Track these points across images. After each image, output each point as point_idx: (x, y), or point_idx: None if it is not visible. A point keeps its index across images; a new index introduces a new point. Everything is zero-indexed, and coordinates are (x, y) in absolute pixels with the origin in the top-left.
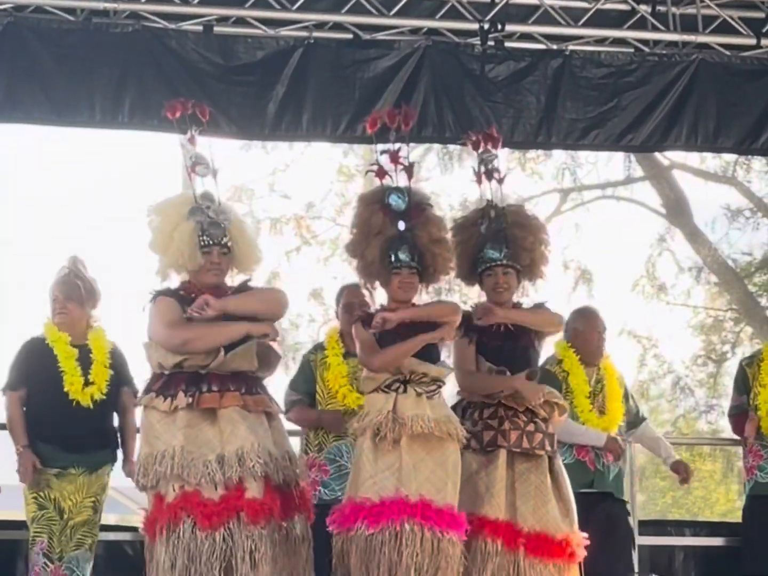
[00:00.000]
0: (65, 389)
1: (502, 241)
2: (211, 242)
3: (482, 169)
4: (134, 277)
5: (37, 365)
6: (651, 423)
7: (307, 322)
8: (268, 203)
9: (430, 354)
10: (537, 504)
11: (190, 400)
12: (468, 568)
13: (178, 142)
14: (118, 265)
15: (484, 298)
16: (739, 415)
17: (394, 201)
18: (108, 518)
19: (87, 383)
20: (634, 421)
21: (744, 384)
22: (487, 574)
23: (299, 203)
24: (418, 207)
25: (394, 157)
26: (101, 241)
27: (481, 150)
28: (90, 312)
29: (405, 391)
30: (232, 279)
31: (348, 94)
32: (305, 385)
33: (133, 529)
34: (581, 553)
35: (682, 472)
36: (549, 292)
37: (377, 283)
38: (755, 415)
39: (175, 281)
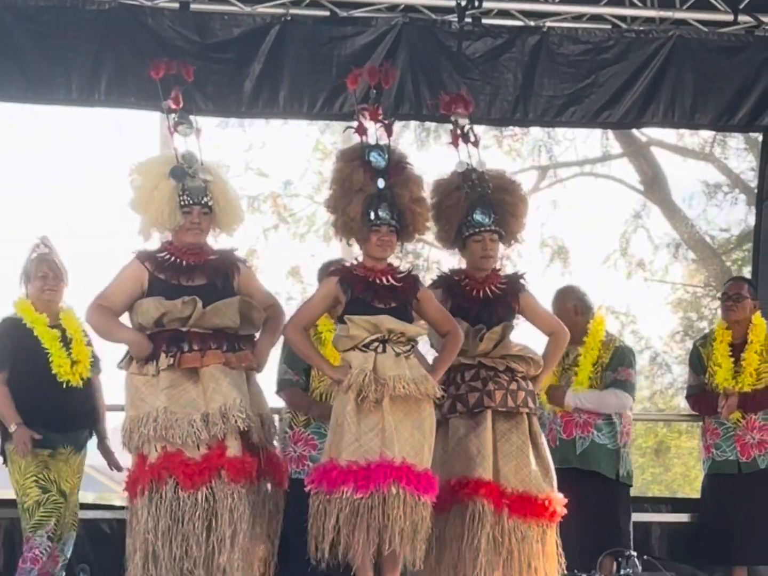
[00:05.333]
0: (53, 371)
1: (489, 206)
2: (191, 201)
3: (458, 131)
4: (94, 257)
5: (18, 347)
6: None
7: (285, 300)
8: (245, 181)
9: (405, 315)
10: (519, 464)
11: (171, 360)
12: (460, 532)
13: (161, 106)
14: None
15: (461, 264)
16: (698, 394)
17: (375, 158)
18: (86, 497)
19: (73, 363)
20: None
21: (700, 364)
22: (483, 535)
23: (276, 181)
24: (397, 165)
25: (374, 114)
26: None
27: (453, 112)
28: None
29: (384, 350)
30: (215, 239)
31: (325, 71)
32: (301, 361)
33: (111, 507)
34: (562, 513)
35: None
36: (524, 268)
37: (353, 240)
38: (733, 391)
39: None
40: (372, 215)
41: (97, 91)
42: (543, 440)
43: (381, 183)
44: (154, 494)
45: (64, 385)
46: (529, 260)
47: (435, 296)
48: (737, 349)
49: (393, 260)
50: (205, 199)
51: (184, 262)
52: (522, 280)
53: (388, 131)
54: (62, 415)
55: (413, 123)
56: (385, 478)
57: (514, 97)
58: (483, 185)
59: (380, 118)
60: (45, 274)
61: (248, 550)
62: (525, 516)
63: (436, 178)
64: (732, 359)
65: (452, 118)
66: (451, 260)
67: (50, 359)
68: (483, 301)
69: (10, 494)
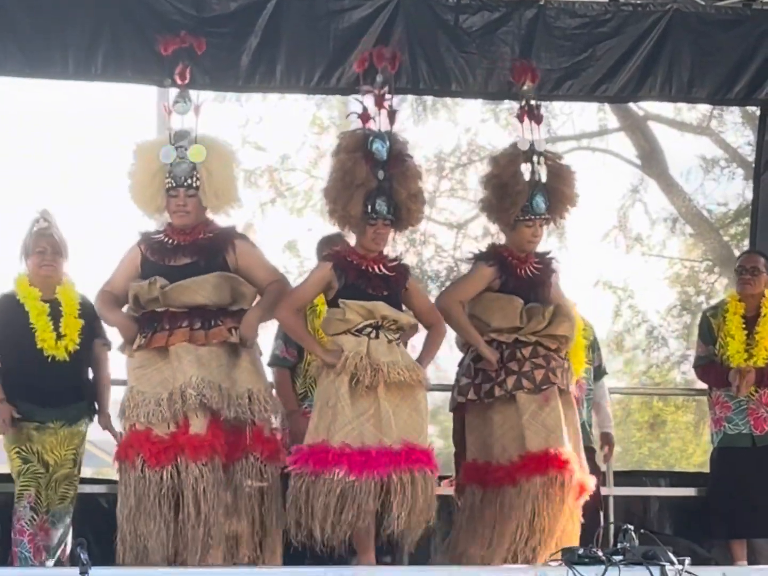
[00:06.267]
0: (38, 345)
1: (546, 194)
2: (175, 184)
3: (525, 105)
4: (102, 230)
5: (8, 322)
6: (608, 380)
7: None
8: (242, 155)
9: (396, 302)
10: (576, 442)
11: (142, 341)
12: (540, 503)
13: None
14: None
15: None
16: (706, 365)
17: (377, 149)
18: (84, 471)
19: (59, 337)
20: (595, 374)
21: (710, 334)
22: (568, 503)
23: (273, 155)
24: (398, 157)
25: (379, 100)
26: (67, 194)
27: (521, 84)
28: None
29: (377, 336)
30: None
31: (322, 45)
32: None
33: (109, 482)
34: None
35: (606, 446)
36: (478, 247)
37: (347, 229)
38: (750, 368)
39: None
40: (369, 208)
41: (94, 65)
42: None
43: (381, 174)
44: (123, 473)
45: (49, 359)
46: None
47: (488, 274)
48: (750, 322)
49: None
50: (190, 181)
51: (172, 243)
52: (554, 263)
53: (392, 119)
54: (47, 388)
55: (410, 97)
56: (386, 466)
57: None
58: (542, 168)
59: (385, 104)
60: (43, 249)
61: (216, 527)
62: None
63: (496, 154)
64: (745, 332)
65: (521, 92)
66: (448, 235)
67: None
68: (528, 280)
69: (4, 468)
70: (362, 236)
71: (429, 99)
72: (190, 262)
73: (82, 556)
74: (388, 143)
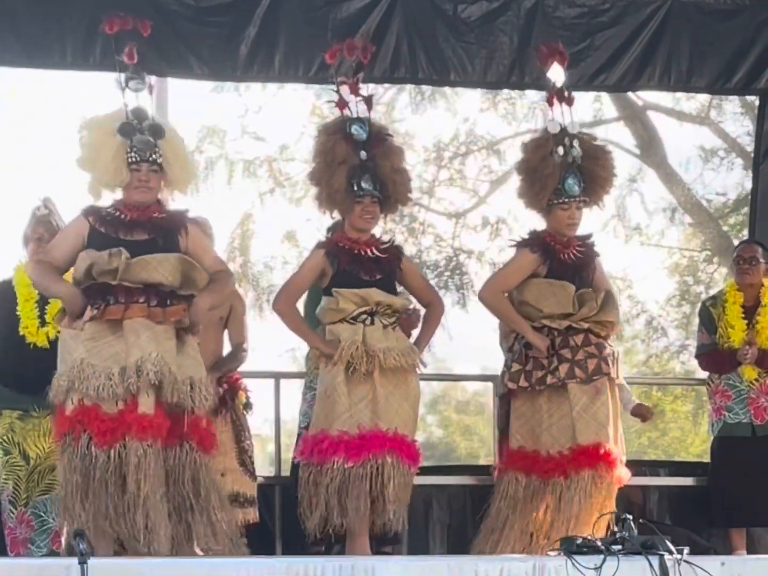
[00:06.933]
0: (20, 332)
1: (579, 175)
2: (138, 159)
3: (553, 88)
4: None
5: (1, 309)
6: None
7: (281, 264)
8: (241, 145)
9: (390, 286)
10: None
11: (95, 312)
12: (587, 496)
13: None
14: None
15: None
16: (710, 353)
17: (356, 131)
18: None
19: (43, 324)
20: None
21: (711, 324)
22: (608, 501)
23: (272, 145)
24: (378, 136)
25: (354, 88)
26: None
27: (550, 68)
28: None
29: (372, 323)
30: (171, 198)
31: (320, 35)
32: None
33: None
34: None
35: (644, 412)
36: (519, 232)
37: (336, 212)
38: (756, 341)
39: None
40: (355, 186)
41: (92, 55)
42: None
43: (363, 155)
44: (67, 447)
45: (31, 346)
46: (524, 224)
47: (531, 260)
48: (749, 311)
49: (378, 230)
50: (154, 156)
51: (127, 217)
52: (595, 246)
53: (368, 104)
54: (29, 375)
55: (408, 86)
56: (380, 447)
57: (510, 60)
58: (575, 150)
59: (360, 91)
60: (40, 235)
61: (158, 510)
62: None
63: (526, 140)
64: (745, 321)
65: (548, 76)
66: (447, 224)
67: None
68: (572, 264)
69: None
70: (351, 215)
71: (427, 89)
72: (147, 239)
73: (80, 546)
74: (367, 126)
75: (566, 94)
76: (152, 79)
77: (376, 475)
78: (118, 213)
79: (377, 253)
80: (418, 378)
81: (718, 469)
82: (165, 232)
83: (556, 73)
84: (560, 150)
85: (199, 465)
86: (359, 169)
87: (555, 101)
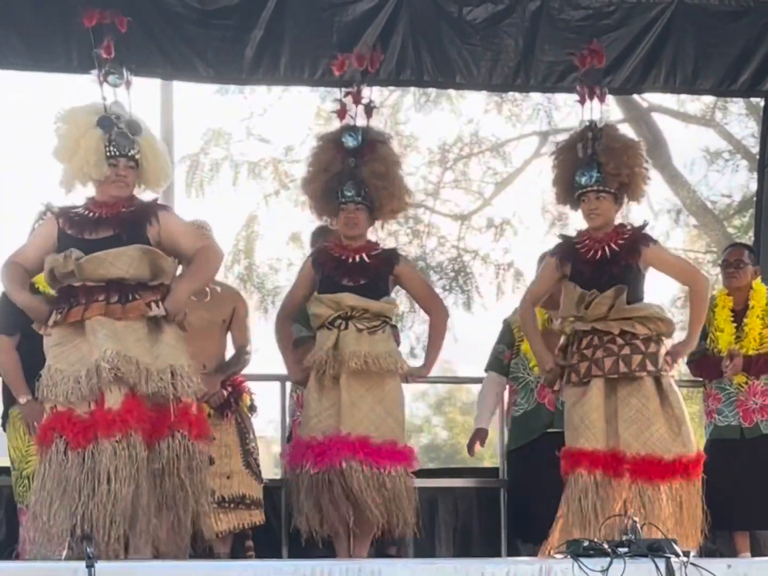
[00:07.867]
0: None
1: (593, 166)
2: (117, 153)
3: (584, 89)
4: None
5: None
6: None
7: (286, 266)
8: (247, 147)
9: (375, 290)
10: (640, 428)
11: (58, 317)
12: (566, 502)
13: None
14: None
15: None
16: (700, 360)
17: (347, 139)
18: None
19: None
20: None
21: (703, 329)
22: (583, 504)
23: (278, 147)
24: (370, 145)
25: (356, 97)
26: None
27: (586, 66)
28: None
29: (346, 327)
30: (140, 193)
31: (326, 37)
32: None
33: None
34: (700, 470)
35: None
36: (525, 234)
37: (325, 219)
38: (738, 352)
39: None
40: (339, 193)
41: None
42: (677, 399)
43: (351, 162)
44: (44, 455)
45: None
46: (528, 226)
47: (552, 265)
48: (738, 315)
49: (373, 237)
50: (132, 152)
51: (95, 215)
52: (644, 233)
53: (368, 113)
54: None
55: (413, 88)
56: (339, 453)
57: (515, 62)
58: (594, 143)
59: (362, 100)
60: None
61: (131, 506)
62: (650, 479)
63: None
64: (734, 325)
65: (582, 74)
66: (451, 226)
67: None
68: (597, 262)
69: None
70: (338, 223)
71: (432, 90)
72: (112, 235)
73: (87, 550)
74: (360, 136)
75: (598, 90)
76: (130, 75)
77: (341, 481)
78: (86, 212)
79: (364, 259)
80: (398, 380)
81: (710, 471)
82: (130, 225)
83: (593, 73)
84: (579, 147)
85: (192, 453)
86: (345, 176)
87: (586, 99)
